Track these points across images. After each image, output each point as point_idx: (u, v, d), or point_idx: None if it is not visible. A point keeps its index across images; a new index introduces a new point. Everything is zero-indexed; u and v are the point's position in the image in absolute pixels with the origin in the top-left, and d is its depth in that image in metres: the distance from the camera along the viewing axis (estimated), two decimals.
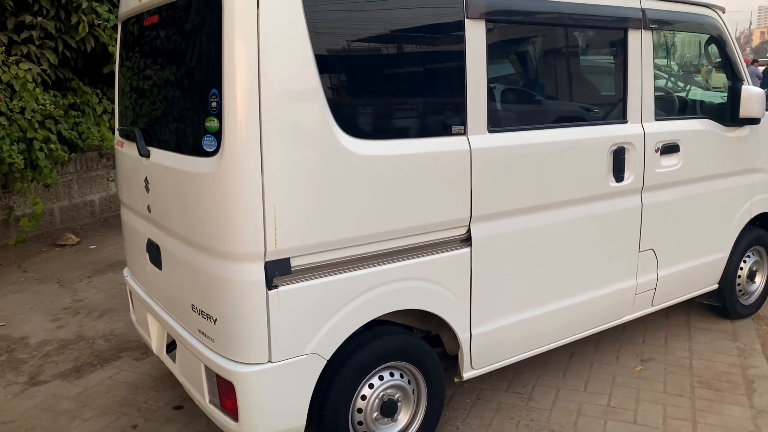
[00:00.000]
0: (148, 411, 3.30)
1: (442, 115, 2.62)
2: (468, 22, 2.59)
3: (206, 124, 2.26)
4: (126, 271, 3.51)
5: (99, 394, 3.50)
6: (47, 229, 6.99)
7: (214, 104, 2.22)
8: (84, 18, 6.25)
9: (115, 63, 6.63)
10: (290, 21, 2.18)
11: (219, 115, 2.19)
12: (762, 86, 15.27)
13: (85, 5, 6.24)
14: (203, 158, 2.30)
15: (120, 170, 3.33)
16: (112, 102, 7.26)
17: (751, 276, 4.26)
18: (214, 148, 2.24)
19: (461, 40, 2.58)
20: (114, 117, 7.40)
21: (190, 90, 2.45)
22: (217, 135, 2.22)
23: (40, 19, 6.11)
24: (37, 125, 5.78)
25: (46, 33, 6.24)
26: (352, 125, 2.35)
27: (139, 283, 3.24)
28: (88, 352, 4.06)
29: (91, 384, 3.63)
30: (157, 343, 3.11)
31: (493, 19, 2.67)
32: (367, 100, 2.44)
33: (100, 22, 6.45)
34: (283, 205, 2.22)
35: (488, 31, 2.65)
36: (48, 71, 6.18)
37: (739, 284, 4.18)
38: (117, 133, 3.33)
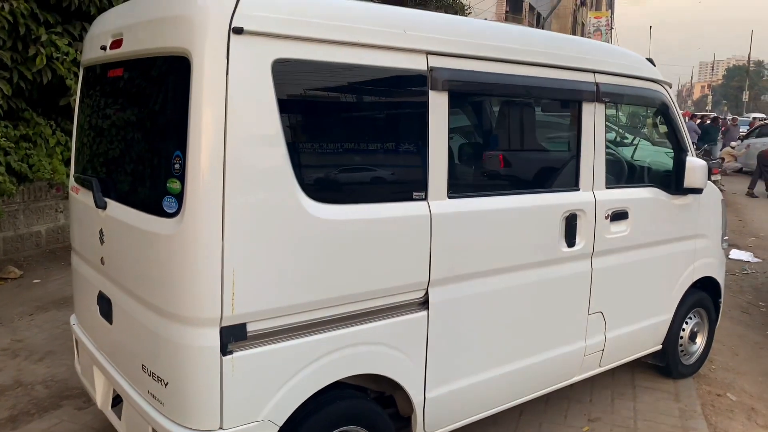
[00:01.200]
0: None
1: (404, 181, 2.68)
2: (431, 94, 2.67)
3: (168, 185, 2.25)
4: (73, 319, 3.40)
5: None
6: None
7: (177, 166, 2.21)
8: (42, 50, 6.13)
9: (72, 97, 6.48)
10: (259, 90, 2.20)
11: (182, 178, 2.18)
12: (699, 141, 16.08)
13: (44, 38, 6.13)
14: (163, 219, 2.27)
15: (74, 217, 3.25)
16: (66, 134, 7.09)
17: (693, 337, 4.42)
18: (174, 210, 2.23)
19: (424, 110, 2.66)
20: (67, 149, 7.24)
21: (153, 149, 2.44)
22: (179, 197, 2.21)
23: None
24: None
25: (1, 63, 6.09)
26: (316, 190, 2.38)
27: (87, 333, 3.15)
28: (26, 399, 3.89)
29: None
30: (102, 398, 3.01)
31: (455, 92, 2.76)
32: (331, 167, 2.48)
33: (58, 55, 6.33)
34: (243, 270, 2.21)
35: (450, 102, 2.73)
36: (0, 102, 6.01)
37: (681, 345, 4.33)
38: (72, 179, 3.26)
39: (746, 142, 18.05)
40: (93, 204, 2.77)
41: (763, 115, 33.93)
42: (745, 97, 56.80)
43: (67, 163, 7.06)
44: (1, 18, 5.80)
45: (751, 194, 14.45)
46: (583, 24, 43.05)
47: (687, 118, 17.28)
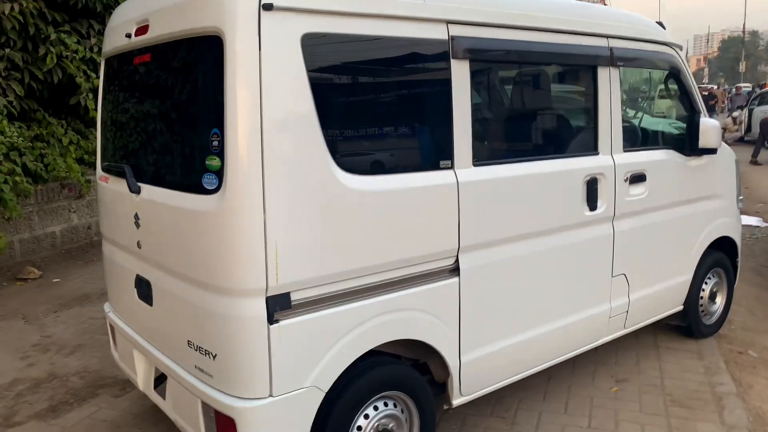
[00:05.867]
0: None
1: (430, 151, 2.73)
2: (453, 63, 2.72)
3: (207, 162, 2.31)
4: (107, 306, 3.47)
5: None
6: (6, 263, 6.78)
7: (215, 143, 2.27)
8: (52, 49, 6.18)
9: (82, 95, 6.52)
10: (290, 65, 2.26)
11: (221, 154, 2.24)
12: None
13: (53, 37, 6.18)
14: (203, 196, 2.33)
15: (104, 205, 3.31)
16: (78, 133, 7.15)
17: (712, 297, 4.49)
18: (215, 186, 2.29)
19: (447, 79, 2.71)
20: (80, 148, 7.30)
21: (189, 129, 2.49)
22: (219, 173, 2.27)
23: (7, 50, 6.03)
24: (1, 158, 5.67)
25: (13, 64, 6.15)
26: (348, 162, 2.44)
27: (124, 318, 3.21)
28: (63, 390, 3.97)
29: (69, 423, 3.55)
30: (143, 380, 3.08)
31: (476, 59, 2.81)
32: (361, 138, 2.54)
33: (68, 53, 6.39)
34: (284, 241, 2.28)
35: (471, 70, 2.78)
36: (14, 103, 6.07)
37: (701, 305, 4.40)
38: (99, 168, 3.32)
39: (746, 110, 18.05)
40: (126, 190, 2.83)
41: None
42: (742, 67, 56.56)
43: (80, 162, 7.13)
44: (11, 18, 5.84)
45: (754, 162, 14.50)
46: None
47: None
